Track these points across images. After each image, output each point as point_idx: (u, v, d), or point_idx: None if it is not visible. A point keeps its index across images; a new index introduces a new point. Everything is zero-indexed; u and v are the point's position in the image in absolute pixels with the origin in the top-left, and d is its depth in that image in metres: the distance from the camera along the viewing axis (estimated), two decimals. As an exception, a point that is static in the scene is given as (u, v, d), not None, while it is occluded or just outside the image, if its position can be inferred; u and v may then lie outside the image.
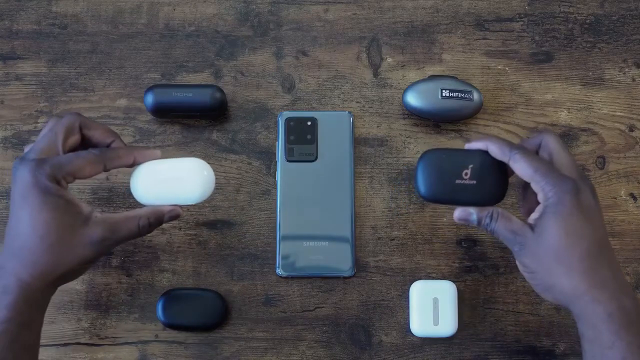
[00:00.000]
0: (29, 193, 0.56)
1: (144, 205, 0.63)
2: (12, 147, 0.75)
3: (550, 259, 0.56)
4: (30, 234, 0.56)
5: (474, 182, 0.61)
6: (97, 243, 0.58)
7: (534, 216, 0.57)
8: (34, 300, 0.57)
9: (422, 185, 0.62)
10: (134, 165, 0.63)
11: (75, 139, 0.61)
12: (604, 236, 0.57)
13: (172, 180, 0.62)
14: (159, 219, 0.61)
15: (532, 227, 0.57)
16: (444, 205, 0.69)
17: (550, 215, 0.55)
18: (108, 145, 0.63)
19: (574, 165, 0.58)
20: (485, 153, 0.62)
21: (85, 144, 0.63)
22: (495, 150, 0.60)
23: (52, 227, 0.56)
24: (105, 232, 0.58)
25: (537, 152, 0.61)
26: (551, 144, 0.59)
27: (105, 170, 0.61)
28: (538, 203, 0.58)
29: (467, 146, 0.63)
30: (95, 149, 0.61)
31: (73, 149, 0.62)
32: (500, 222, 0.59)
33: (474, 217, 0.60)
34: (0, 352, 0.54)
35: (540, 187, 0.56)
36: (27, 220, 0.56)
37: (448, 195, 0.62)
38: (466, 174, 0.61)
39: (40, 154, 0.58)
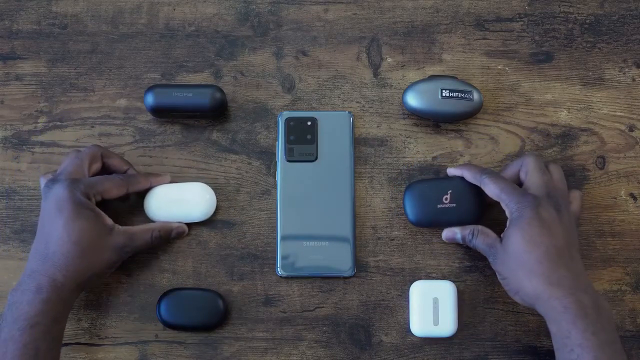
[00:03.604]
0: (64, 205, 0.65)
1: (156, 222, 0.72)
2: (12, 147, 0.75)
3: (514, 265, 0.63)
4: (65, 239, 0.64)
5: (454, 205, 0.70)
6: (119, 249, 0.68)
7: (505, 231, 0.65)
8: (65, 298, 0.64)
9: (410, 213, 0.71)
10: (150, 189, 0.72)
11: (97, 165, 0.71)
12: (565, 243, 0.63)
13: (180, 201, 0.72)
14: (168, 232, 0.71)
15: (501, 239, 0.66)
16: (432, 227, 0.73)
17: (513, 227, 0.64)
18: (124, 173, 0.72)
19: (544, 184, 0.65)
20: (462, 179, 0.71)
21: (104, 171, 0.72)
22: (469, 176, 0.69)
23: (85, 234, 0.65)
24: (126, 240, 0.68)
25: (519, 171, 0.69)
26: (529, 165, 0.67)
27: (127, 192, 0.70)
28: None
29: (448, 172, 0.72)
30: (120, 175, 0.71)
31: (95, 175, 0.71)
32: (480, 238, 0.68)
33: (459, 235, 0.70)
34: (36, 341, 0.61)
35: (506, 205, 0.65)
36: (62, 228, 0.64)
37: (433, 219, 0.71)
38: (446, 199, 0.70)
39: (71, 177, 0.67)
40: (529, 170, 0.67)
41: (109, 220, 0.67)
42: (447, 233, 0.71)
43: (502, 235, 0.66)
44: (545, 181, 0.66)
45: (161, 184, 0.72)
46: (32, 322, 0.61)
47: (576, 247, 0.64)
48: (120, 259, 0.68)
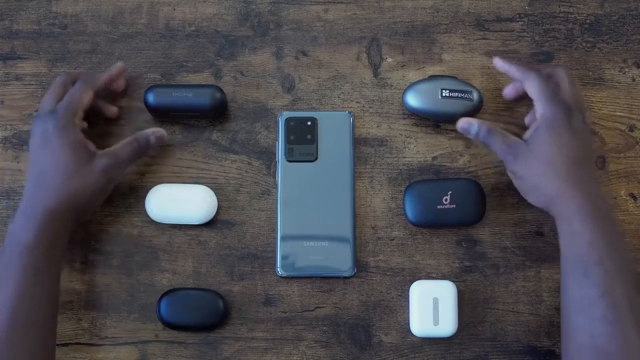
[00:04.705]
0: (50, 135, 0.67)
1: (158, 223, 0.74)
2: (12, 147, 0.75)
3: (539, 165, 0.66)
4: (53, 167, 0.67)
5: (454, 206, 0.71)
6: (106, 170, 0.69)
7: (528, 133, 0.68)
8: (61, 222, 0.67)
9: (409, 213, 0.72)
10: (115, 81, 0.74)
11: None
12: (589, 154, 0.67)
13: (181, 202, 0.72)
14: (145, 139, 0.71)
15: (525, 141, 0.67)
16: (432, 227, 0.74)
17: (545, 129, 0.66)
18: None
19: (575, 96, 0.67)
20: (461, 180, 0.72)
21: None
22: (515, 71, 0.70)
23: (71, 159, 0.67)
24: (110, 159, 0.69)
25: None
26: (560, 75, 0.68)
27: (98, 92, 0.71)
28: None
29: (495, 63, 0.72)
30: (80, 81, 0.71)
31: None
32: (497, 136, 0.68)
33: (474, 128, 0.70)
34: (36, 263, 0.64)
35: (541, 105, 0.67)
36: (49, 157, 0.67)
37: (432, 219, 0.71)
38: (446, 200, 0.71)
39: (48, 108, 0.69)
40: (561, 79, 0.68)
41: (92, 145, 0.69)
42: (462, 124, 0.71)
43: (525, 137, 0.67)
44: (575, 93, 0.68)
45: (117, 70, 0.73)
46: (30, 247, 0.64)
47: (594, 159, 0.71)
48: (110, 180, 0.70)
